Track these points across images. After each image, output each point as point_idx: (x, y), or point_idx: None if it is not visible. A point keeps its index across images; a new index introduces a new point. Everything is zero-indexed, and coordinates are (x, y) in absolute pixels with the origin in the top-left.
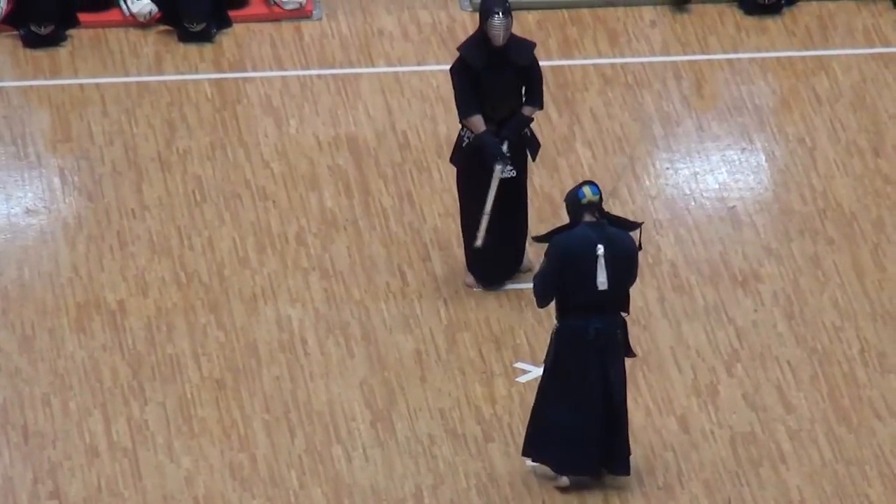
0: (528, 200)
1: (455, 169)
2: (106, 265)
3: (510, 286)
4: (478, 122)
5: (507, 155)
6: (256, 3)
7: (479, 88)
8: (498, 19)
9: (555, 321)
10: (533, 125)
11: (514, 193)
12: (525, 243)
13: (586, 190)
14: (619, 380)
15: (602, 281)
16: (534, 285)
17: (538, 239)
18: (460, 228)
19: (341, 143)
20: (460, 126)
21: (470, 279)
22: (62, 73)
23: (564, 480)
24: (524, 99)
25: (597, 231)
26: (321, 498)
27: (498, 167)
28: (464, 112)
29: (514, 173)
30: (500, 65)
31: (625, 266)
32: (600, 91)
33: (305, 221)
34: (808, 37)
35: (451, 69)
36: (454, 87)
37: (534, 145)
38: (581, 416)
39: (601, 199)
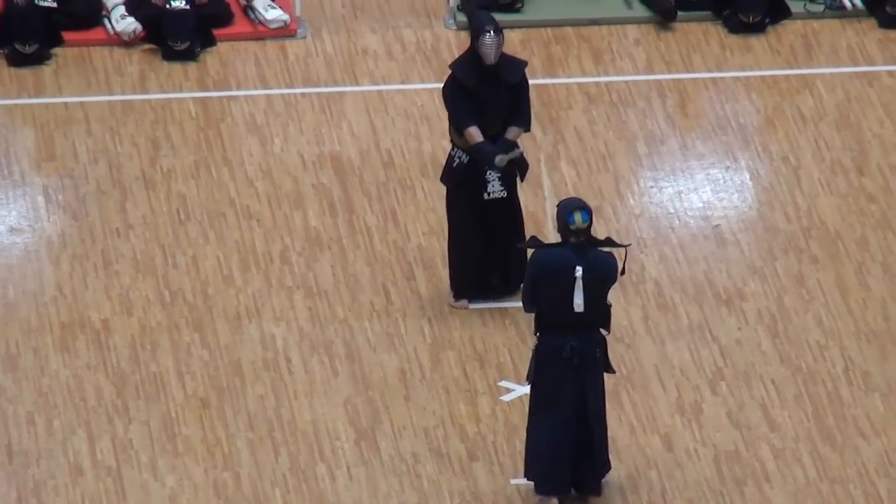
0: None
1: (443, 188)
2: (90, 284)
3: (494, 305)
4: (475, 133)
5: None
6: (241, 22)
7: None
8: (489, 38)
9: (535, 337)
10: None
11: (507, 215)
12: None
13: (577, 217)
14: (596, 397)
15: (578, 303)
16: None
17: (525, 245)
18: (446, 248)
19: (325, 161)
20: (451, 146)
21: (453, 300)
22: (46, 92)
23: (554, 502)
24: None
25: (577, 253)
26: None
27: (499, 157)
28: (460, 124)
29: (504, 193)
30: (493, 83)
31: (604, 288)
32: (585, 109)
33: (290, 240)
34: (793, 55)
35: (443, 88)
36: (448, 104)
37: (523, 166)
38: (560, 434)
39: (590, 224)
